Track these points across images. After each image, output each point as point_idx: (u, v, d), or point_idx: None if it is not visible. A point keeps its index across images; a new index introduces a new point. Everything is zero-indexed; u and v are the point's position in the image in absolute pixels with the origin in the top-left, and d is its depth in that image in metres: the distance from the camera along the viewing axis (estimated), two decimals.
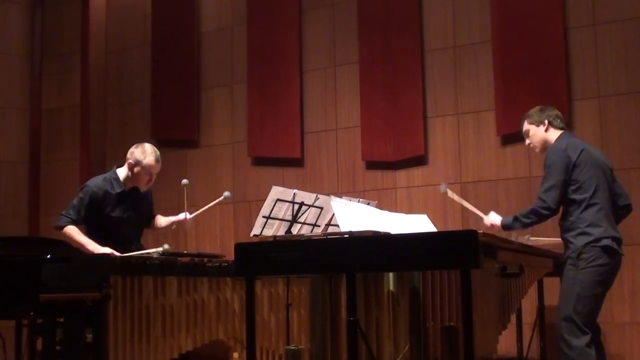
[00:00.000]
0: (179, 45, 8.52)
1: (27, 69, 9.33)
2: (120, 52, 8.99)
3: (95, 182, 5.25)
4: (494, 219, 4.79)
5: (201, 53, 8.45)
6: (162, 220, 5.59)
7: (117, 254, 4.81)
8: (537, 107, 4.89)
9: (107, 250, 4.84)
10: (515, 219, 4.63)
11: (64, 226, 5.11)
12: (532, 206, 4.60)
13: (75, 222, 5.13)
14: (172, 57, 8.54)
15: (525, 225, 4.65)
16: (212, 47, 8.41)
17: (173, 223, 5.53)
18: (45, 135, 9.25)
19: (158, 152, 5.27)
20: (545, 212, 4.53)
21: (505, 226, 4.72)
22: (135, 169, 5.19)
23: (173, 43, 8.56)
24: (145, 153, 5.19)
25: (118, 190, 5.22)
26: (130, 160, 5.21)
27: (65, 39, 9.25)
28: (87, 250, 4.98)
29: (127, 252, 4.80)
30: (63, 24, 9.31)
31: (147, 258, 4.74)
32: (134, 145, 5.28)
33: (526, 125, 4.87)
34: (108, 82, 9.02)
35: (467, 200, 5.27)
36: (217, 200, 5.48)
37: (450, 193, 5.08)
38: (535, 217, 4.56)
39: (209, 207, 5.58)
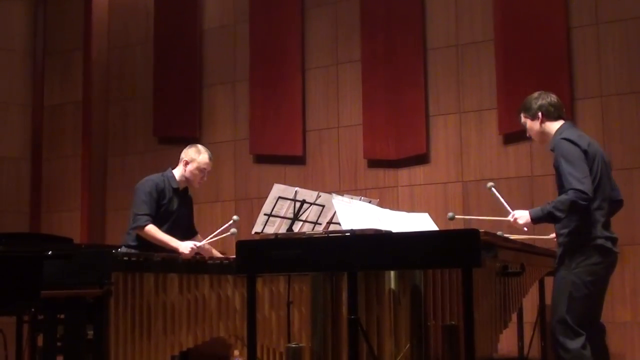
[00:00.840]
0: (181, 43, 8.52)
1: (30, 66, 9.33)
2: (123, 49, 8.99)
3: (153, 177, 5.48)
4: (519, 215, 4.46)
5: (203, 50, 8.44)
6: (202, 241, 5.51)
7: (198, 244, 5.13)
8: (533, 96, 4.67)
9: (189, 244, 5.07)
10: (550, 213, 4.30)
11: (145, 225, 5.21)
12: (567, 198, 4.24)
13: (152, 218, 5.26)
14: (174, 54, 8.54)
15: (561, 220, 4.35)
16: (215, 45, 8.40)
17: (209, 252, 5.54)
18: (47, 131, 9.25)
19: (210, 152, 5.57)
20: (583, 202, 4.23)
21: (538, 218, 4.39)
22: (190, 166, 5.47)
23: (175, 40, 8.55)
24: (199, 152, 5.49)
25: (174, 185, 5.46)
26: (185, 159, 5.49)
27: (68, 35, 9.25)
28: (171, 247, 5.10)
29: None
30: (65, 21, 9.31)
31: (148, 255, 4.75)
32: (188, 146, 5.58)
33: (522, 118, 4.70)
34: (110, 79, 9.02)
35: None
36: (226, 226, 5.41)
37: (494, 190, 4.78)
38: (575, 208, 4.25)
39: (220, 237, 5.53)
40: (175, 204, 5.45)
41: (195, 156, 5.47)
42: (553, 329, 4.37)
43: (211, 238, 5.32)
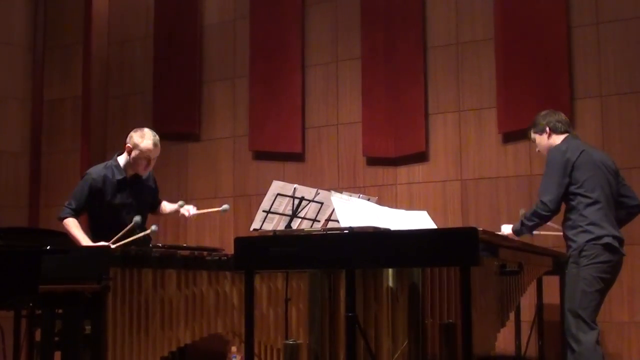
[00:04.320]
0: (181, 38, 8.52)
1: (30, 60, 9.33)
2: (123, 44, 8.98)
3: (96, 169, 5.27)
4: (505, 230, 4.85)
5: (203, 46, 8.44)
6: (167, 207, 5.62)
7: (113, 246, 4.79)
8: (541, 114, 4.97)
9: (100, 244, 4.85)
10: (522, 224, 4.73)
11: (64, 218, 5.15)
12: (534, 208, 4.68)
13: (76, 213, 5.15)
14: (174, 49, 8.54)
15: (532, 228, 4.74)
16: (215, 41, 8.40)
17: (177, 211, 5.54)
18: (46, 126, 9.25)
19: (157, 137, 5.24)
20: (545, 213, 4.62)
21: (516, 232, 4.78)
22: (134, 153, 5.18)
23: (175, 36, 8.55)
24: (143, 137, 5.17)
25: (119, 177, 5.23)
26: (128, 144, 5.20)
27: (68, 30, 9.25)
28: (80, 245, 5.00)
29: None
30: (65, 15, 9.31)
31: (147, 250, 4.75)
32: (134, 130, 5.27)
33: (532, 135, 4.97)
34: (110, 74, 9.02)
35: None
36: (217, 209, 5.45)
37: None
38: (538, 219, 4.66)
39: (210, 212, 5.60)
40: (123, 197, 5.24)
41: (139, 141, 5.14)
42: (566, 323, 4.48)
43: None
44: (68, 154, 9.03)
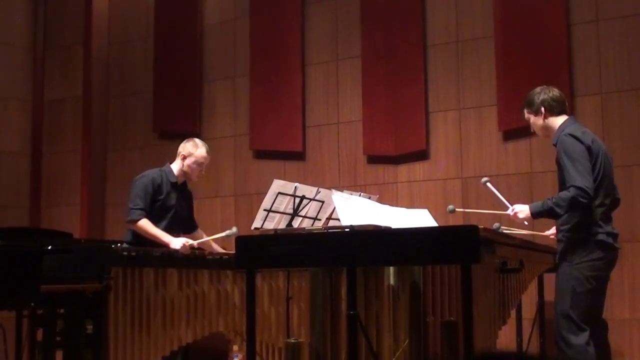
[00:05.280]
0: (181, 38, 8.52)
1: (30, 60, 9.33)
2: (123, 44, 8.99)
3: (152, 171, 5.51)
4: (520, 211, 4.46)
5: (204, 46, 8.44)
6: (203, 237, 5.58)
7: (190, 241, 5.09)
8: (535, 91, 4.65)
9: (181, 240, 5.06)
10: (551, 209, 4.29)
11: (138, 219, 5.23)
12: (567, 194, 4.23)
13: (146, 212, 5.28)
14: (174, 49, 8.54)
15: (560, 216, 4.36)
16: (215, 40, 8.40)
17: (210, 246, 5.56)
18: (47, 126, 9.26)
19: (207, 145, 5.59)
20: (584, 200, 4.21)
21: (537, 215, 4.41)
22: (188, 160, 5.48)
23: (176, 35, 8.55)
24: (197, 145, 5.50)
25: (172, 180, 5.47)
26: (183, 153, 5.50)
27: (68, 30, 9.25)
28: (163, 242, 5.10)
29: None
30: (66, 16, 9.31)
31: (148, 250, 4.76)
32: (185, 140, 5.57)
33: (526, 114, 4.69)
34: (110, 74, 9.02)
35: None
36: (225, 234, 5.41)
37: (489, 184, 4.81)
38: (574, 207, 4.25)
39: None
40: (173, 199, 5.45)
41: (193, 150, 5.48)
42: (556, 325, 4.35)
43: (206, 240, 5.36)
44: (69, 154, 9.04)
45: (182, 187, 5.57)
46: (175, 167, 5.53)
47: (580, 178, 4.24)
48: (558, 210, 4.28)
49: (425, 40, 7.26)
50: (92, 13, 8.92)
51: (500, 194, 4.76)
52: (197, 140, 5.59)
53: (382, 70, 7.35)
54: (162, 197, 5.38)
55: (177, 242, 5.05)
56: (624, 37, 6.48)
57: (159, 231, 5.20)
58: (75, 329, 4.43)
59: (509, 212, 4.52)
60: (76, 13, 9.14)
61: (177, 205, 5.46)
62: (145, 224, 5.20)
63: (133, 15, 8.95)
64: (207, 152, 5.54)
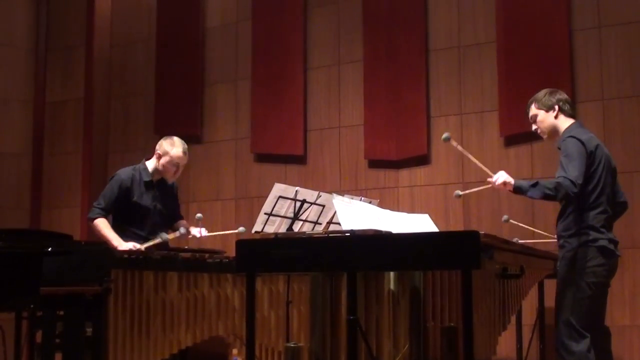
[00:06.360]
0: (183, 40, 8.52)
1: (32, 62, 9.34)
2: (125, 46, 8.99)
3: (124, 170, 5.45)
4: (504, 177, 4.42)
5: (205, 48, 8.45)
6: (185, 228, 5.62)
7: (138, 246, 5.01)
8: (546, 90, 4.64)
9: (129, 245, 5.01)
10: (536, 185, 4.25)
11: (94, 218, 5.26)
12: (555, 180, 4.22)
13: (106, 212, 5.29)
14: (176, 51, 8.54)
15: (544, 197, 4.28)
16: (217, 43, 8.41)
17: (189, 233, 5.60)
18: (48, 128, 9.26)
19: (186, 145, 5.50)
20: (570, 191, 4.17)
21: (518, 188, 4.36)
22: (163, 159, 5.41)
23: (178, 38, 8.56)
24: (173, 145, 5.42)
25: (146, 178, 5.42)
26: (158, 151, 5.44)
27: (70, 32, 9.26)
28: (112, 245, 5.08)
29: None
30: (68, 17, 9.32)
31: (148, 253, 4.75)
32: (163, 138, 5.51)
33: (534, 110, 4.62)
34: (112, 76, 9.03)
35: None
36: (232, 232, 5.46)
37: (454, 143, 4.65)
38: (558, 193, 4.20)
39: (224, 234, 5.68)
40: (148, 198, 5.42)
41: (169, 149, 5.40)
42: (557, 332, 4.35)
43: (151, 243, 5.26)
44: (70, 155, 9.04)
45: (159, 184, 5.50)
46: (151, 164, 5.47)
47: (571, 171, 4.23)
48: (543, 189, 4.22)
49: (427, 45, 7.27)
50: (94, 15, 8.93)
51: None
52: (175, 138, 5.49)
53: (384, 75, 7.36)
54: (135, 198, 5.36)
55: (124, 246, 5.00)
56: (625, 43, 6.49)
57: (111, 233, 5.18)
58: (75, 332, 4.42)
59: (494, 177, 4.49)
60: (78, 15, 9.15)
61: (153, 205, 5.43)
62: (99, 223, 5.21)
63: (135, 17, 8.96)
64: (184, 152, 5.43)
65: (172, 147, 5.40)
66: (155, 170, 5.45)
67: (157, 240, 5.11)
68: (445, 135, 4.61)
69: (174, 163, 5.40)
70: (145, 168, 5.45)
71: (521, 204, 6.41)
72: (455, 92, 7.12)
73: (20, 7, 9.30)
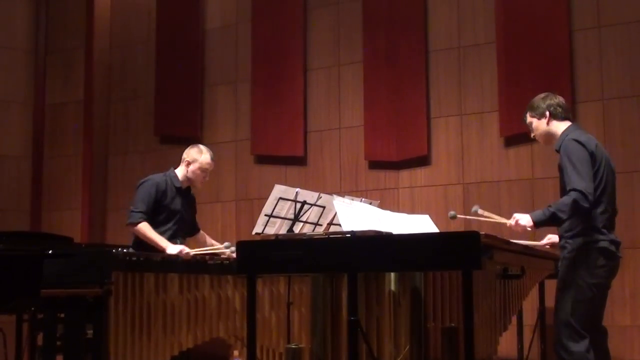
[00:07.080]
0: (183, 42, 8.52)
1: (31, 64, 9.34)
2: (125, 48, 8.99)
3: (157, 176, 5.57)
4: (522, 220, 4.35)
5: (205, 50, 8.45)
6: (206, 239, 5.79)
7: (187, 250, 5.12)
8: (540, 96, 4.65)
9: (178, 247, 5.10)
10: (553, 214, 4.21)
11: (138, 223, 5.29)
12: (568, 198, 4.18)
13: (147, 216, 5.34)
14: (176, 53, 8.54)
15: (563, 221, 4.30)
16: (217, 45, 8.41)
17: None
18: (48, 130, 9.26)
19: (212, 152, 5.65)
20: (586, 205, 4.16)
21: (539, 224, 4.31)
22: (192, 166, 5.55)
23: (177, 40, 8.56)
24: (201, 152, 5.58)
25: (177, 185, 5.54)
26: (187, 159, 5.58)
27: (70, 34, 9.26)
28: (160, 246, 5.15)
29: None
30: (67, 19, 9.32)
31: (149, 255, 4.76)
32: (189, 146, 5.66)
33: (528, 118, 4.65)
34: (112, 78, 9.03)
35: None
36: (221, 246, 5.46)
37: (480, 211, 4.66)
38: (572, 211, 4.20)
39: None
40: (178, 203, 5.53)
41: (197, 156, 5.55)
42: (557, 332, 4.34)
43: (202, 251, 5.37)
44: (70, 158, 9.04)
45: (186, 192, 5.64)
46: (180, 172, 5.60)
47: (581, 181, 4.21)
48: (560, 215, 4.23)
49: (427, 46, 7.27)
50: (94, 17, 8.93)
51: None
52: (201, 146, 5.66)
53: (384, 76, 7.36)
54: (167, 202, 5.46)
55: (173, 248, 5.09)
56: (625, 43, 6.49)
57: (157, 236, 5.25)
58: (76, 334, 4.43)
59: (511, 221, 4.43)
60: (78, 17, 9.15)
61: (181, 210, 5.54)
62: (144, 227, 5.25)
63: (135, 19, 8.96)
64: (212, 158, 5.61)
65: (201, 154, 5.55)
66: (184, 177, 5.58)
67: (217, 248, 5.30)
68: (451, 213, 4.74)
69: (203, 169, 5.55)
70: (175, 175, 5.58)
71: (521, 204, 6.41)
72: (455, 92, 7.12)
73: (20, 9, 9.30)
